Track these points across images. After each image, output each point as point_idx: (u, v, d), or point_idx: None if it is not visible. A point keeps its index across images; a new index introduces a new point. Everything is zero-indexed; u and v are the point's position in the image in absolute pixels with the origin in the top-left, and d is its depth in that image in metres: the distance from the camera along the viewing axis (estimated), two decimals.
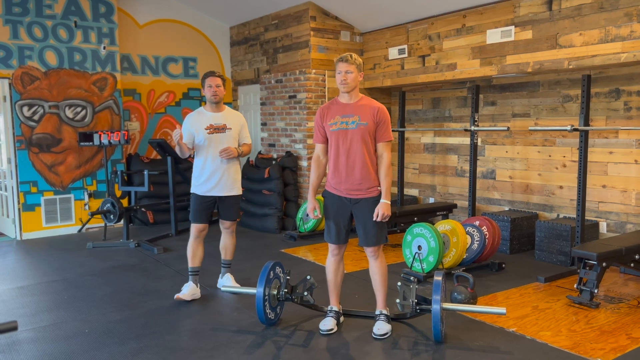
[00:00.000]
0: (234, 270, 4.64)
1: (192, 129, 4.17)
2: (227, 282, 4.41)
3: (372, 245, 3.46)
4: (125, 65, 7.48)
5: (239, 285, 4.32)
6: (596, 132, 5.30)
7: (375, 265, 3.52)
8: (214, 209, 4.30)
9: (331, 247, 3.58)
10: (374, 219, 3.38)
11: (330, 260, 3.61)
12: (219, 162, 4.16)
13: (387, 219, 3.39)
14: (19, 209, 6.57)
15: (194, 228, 4.23)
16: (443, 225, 4.89)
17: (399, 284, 3.57)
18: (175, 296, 4.16)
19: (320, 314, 3.79)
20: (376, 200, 3.42)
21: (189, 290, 4.18)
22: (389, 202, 3.40)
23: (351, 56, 3.39)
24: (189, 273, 4.26)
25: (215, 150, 4.15)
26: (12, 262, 5.51)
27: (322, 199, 3.61)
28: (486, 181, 6.37)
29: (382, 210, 3.36)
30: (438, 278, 3.37)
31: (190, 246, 4.26)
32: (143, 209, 7.18)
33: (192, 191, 4.25)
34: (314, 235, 6.38)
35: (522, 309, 3.95)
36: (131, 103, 7.61)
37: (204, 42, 8.23)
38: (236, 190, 4.28)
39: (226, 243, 4.43)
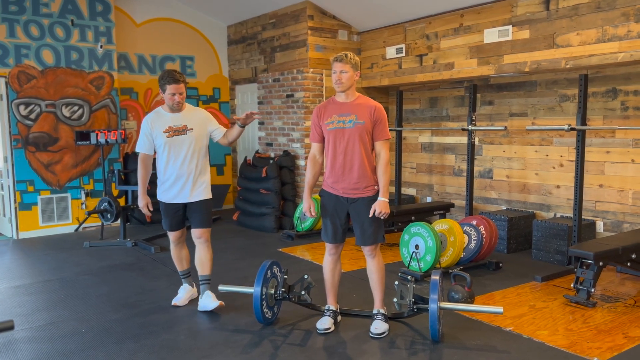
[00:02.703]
0: (231, 269, 4.63)
1: (151, 132, 3.83)
2: (207, 299, 3.91)
3: (369, 244, 3.46)
4: (122, 64, 7.47)
5: (218, 302, 3.91)
6: (593, 132, 5.31)
7: (373, 264, 3.52)
8: (185, 214, 3.99)
9: (328, 247, 3.57)
10: (370, 215, 3.36)
11: (328, 260, 3.60)
12: (181, 166, 3.83)
13: (385, 217, 3.37)
14: (15, 208, 6.55)
15: (171, 235, 4.02)
16: (440, 225, 4.89)
17: (397, 283, 3.57)
18: (173, 303, 4.07)
19: (317, 313, 3.79)
20: (373, 199, 3.41)
21: (185, 295, 4.12)
22: (387, 200, 3.39)
23: (346, 55, 3.36)
24: (181, 277, 4.18)
25: (176, 154, 3.82)
26: (9, 262, 5.49)
27: (319, 198, 3.60)
28: (483, 180, 6.37)
29: (380, 207, 3.34)
30: (435, 277, 3.36)
31: (174, 252, 4.11)
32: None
33: (158, 199, 3.96)
34: (312, 235, 6.38)
35: (519, 308, 3.96)
36: (128, 102, 7.60)
37: (202, 41, 8.22)
38: (205, 194, 3.92)
39: (201, 256, 3.95)
